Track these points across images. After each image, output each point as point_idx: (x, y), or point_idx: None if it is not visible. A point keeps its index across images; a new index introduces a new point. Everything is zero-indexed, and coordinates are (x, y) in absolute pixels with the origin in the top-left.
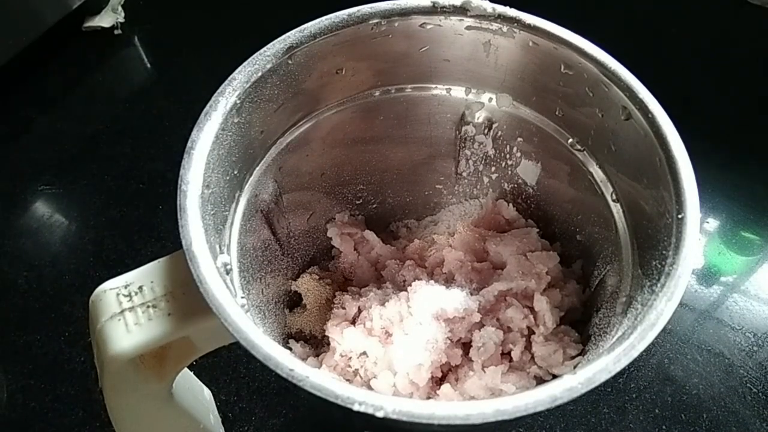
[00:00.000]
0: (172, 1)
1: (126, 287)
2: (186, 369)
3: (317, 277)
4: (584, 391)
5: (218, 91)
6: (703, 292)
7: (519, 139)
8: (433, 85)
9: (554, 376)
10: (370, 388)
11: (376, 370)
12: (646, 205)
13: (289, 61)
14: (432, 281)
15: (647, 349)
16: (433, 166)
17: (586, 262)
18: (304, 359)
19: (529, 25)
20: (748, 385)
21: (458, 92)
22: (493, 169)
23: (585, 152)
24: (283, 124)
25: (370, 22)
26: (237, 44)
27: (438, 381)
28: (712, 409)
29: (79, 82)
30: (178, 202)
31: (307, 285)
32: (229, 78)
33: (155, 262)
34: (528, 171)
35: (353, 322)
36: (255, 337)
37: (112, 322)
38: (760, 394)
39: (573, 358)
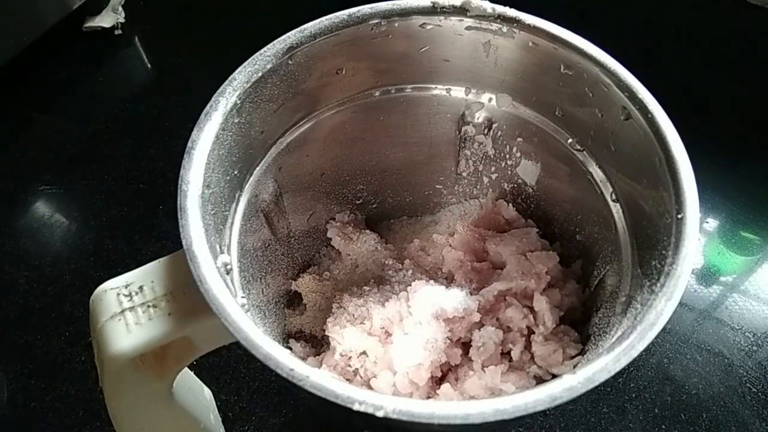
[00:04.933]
0: (172, 2)
1: (126, 287)
2: (186, 369)
3: (317, 277)
4: (584, 391)
5: (218, 91)
6: (702, 292)
7: (519, 139)
8: (433, 85)
9: (554, 376)
10: (370, 387)
11: (376, 370)
12: (646, 205)
13: (290, 62)
14: (432, 281)
15: (647, 349)
16: (433, 166)
17: (585, 262)
18: (304, 359)
19: (528, 25)
20: (747, 384)
21: (458, 92)
22: (493, 169)
23: (584, 152)
24: (283, 124)
25: (370, 22)
26: (237, 44)
27: (438, 381)
28: (712, 408)
29: (80, 82)
30: (178, 202)
31: (307, 285)
32: (229, 78)
33: (155, 261)
34: (528, 171)
35: (353, 321)
36: (255, 337)
37: (112, 321)
38: (760, 393)
39: (573, 357)
